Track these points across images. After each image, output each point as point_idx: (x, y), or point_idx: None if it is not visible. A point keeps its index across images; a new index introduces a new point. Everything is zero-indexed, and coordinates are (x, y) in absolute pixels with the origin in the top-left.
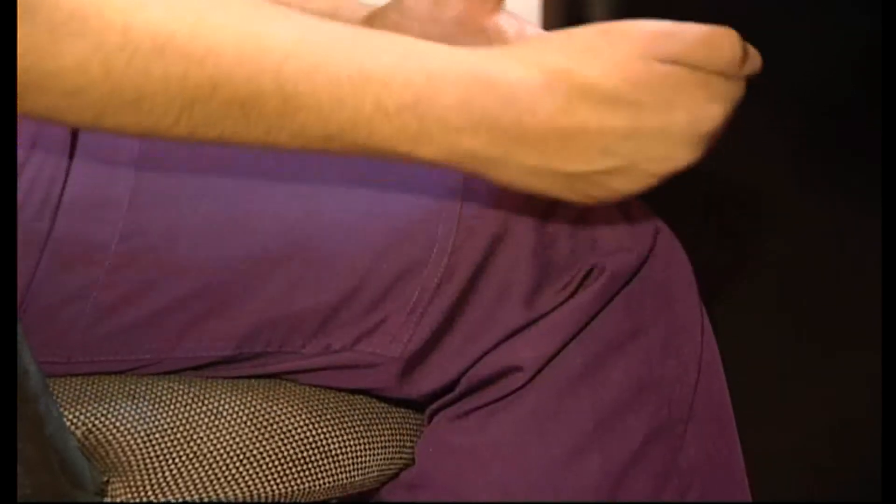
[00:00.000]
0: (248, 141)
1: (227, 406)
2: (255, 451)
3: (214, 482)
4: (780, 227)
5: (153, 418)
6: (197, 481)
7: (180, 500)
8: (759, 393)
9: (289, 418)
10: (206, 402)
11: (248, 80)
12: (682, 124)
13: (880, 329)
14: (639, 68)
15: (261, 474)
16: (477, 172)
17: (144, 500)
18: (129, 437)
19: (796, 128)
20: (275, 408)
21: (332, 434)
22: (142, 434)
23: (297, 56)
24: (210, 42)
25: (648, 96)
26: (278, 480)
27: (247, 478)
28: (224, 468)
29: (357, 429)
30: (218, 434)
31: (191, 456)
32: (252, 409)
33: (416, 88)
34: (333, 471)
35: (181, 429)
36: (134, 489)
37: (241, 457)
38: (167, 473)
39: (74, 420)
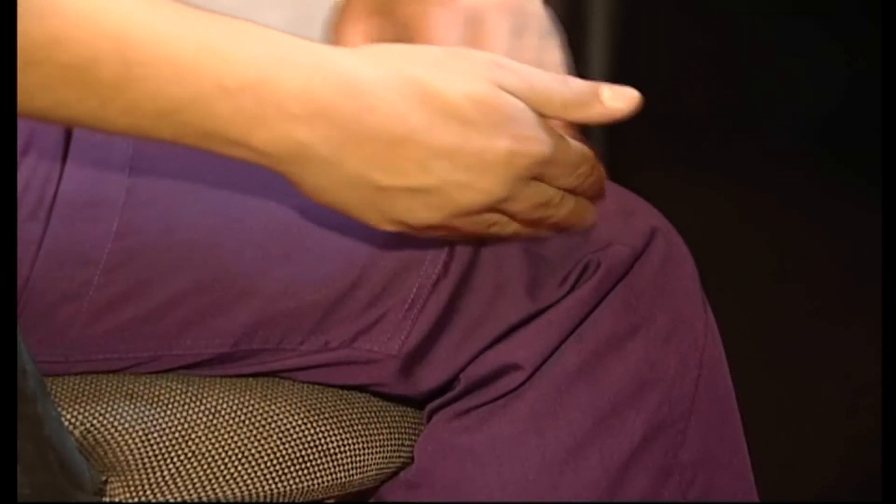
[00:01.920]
0: (79, 114)
1: (224, 405)
2: (253, 450)
3: (213, 481)
4: (781, 226)
5: (151, 418)
6: (195, 480)
7: (179, 499)
8: (758, 393)
9: (287, 417)
10: (203, 401)
11: (85, 42)
12: (500, 153)
13: (881, 329)
14: (480, 88)
15: (259, 473)
16: (293, 172)
17: (143, 499)
18: (127, 437)
19: (797, 127)
20: (273, 407)
21: (331, 433)
22: (140, 433)
23: (138, 23)
24: (52, 1)
25: (480, 118)
26: (276, 479)
27: (245, 477)
28: (222, 467)
29: (355, 427)
30: (216, 433)
31: (189, 455)
32: (250, 409)
33: (260, 69)
34: (332, 469)
35: (179, 428)
36: (132, 489)
37: (240, 456)
38: (165, 473)
39: (72, 420)
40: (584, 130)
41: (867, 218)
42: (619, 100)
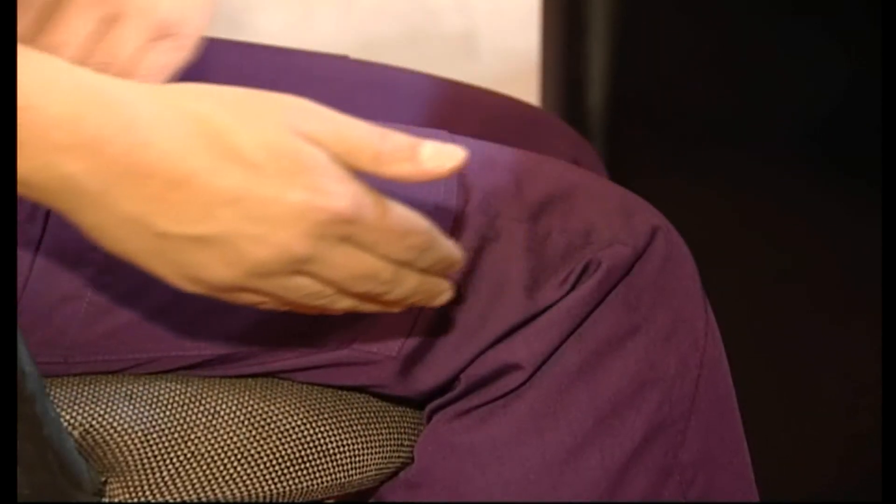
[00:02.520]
0: None
1: (224, 406)
2: (252, 451)
3: (212, 482)
4: (781, 226)
5: (150, 418)
6: (195, 481)
7: (178, 499)
8: (758, 393)
9: (286, 417)
10: (203, 401)
11: None
12: (294, 205)
13: (881, 329)
14: (275, 134)
15: (258, 474)
16: (67, 209)
17: (142, 499)
18: (126, 438)
19: (797, 128)
20: (272, 407)
21: (330, 433)
22: (139, 434)
23: None
24: None
25: (271, 164)
26: (276, 480)
27: (244, 477)
28: (222, 468)
29: (355, 427)
30: (215, 434)
31: (188, 456)
32: (249, 409)
33: (26, 95)
34: (331, 470)
35: (178, 429)
36: (132, 489)
37: (239, 456)
38: (165, 473)
39: (72, 420)
40: (584, 132)
41: (867, 218)
42: (438, 159)
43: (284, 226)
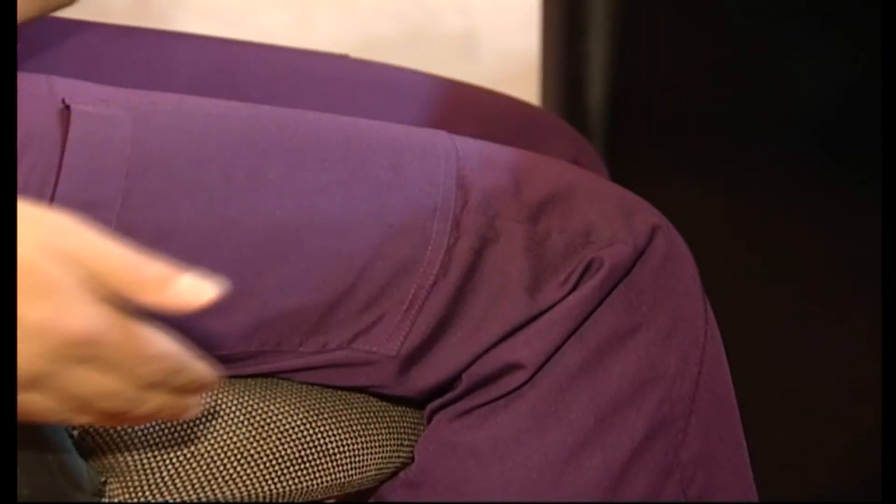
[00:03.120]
0: None
1: (224, 405)
2: (252, 451)
3: (212, 482)
4: (781, 226)
5: None
6: (195, 481)
7: (178, 499)
8: (758, 393)
9: (286, 417)
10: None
11: None
12: (32, 324)
13: (881, 329)
14: (24, 251)
15: (258, 473)
16: None
17: (142, 499)
18: (126, 438)
19: (797, 127)
20: (272, 407)
21: (330, 433)
22: (139, 434)
23: None
24: None
25: (21, 281)
26: (276, 479)
27: (244, 477)
28: (221, 468)
29: (355, 427)
30: (215, 433)
31: (188, 456)
32: (249, 409)
33: None
34: (331, 469)
35: (178, 429)
36: (131, 489)
37: (239, 456)
38: (164, 474)
39: None
40: (584, 132)
41: (867, 218)
42: (193, 291)
43: (23, 343)
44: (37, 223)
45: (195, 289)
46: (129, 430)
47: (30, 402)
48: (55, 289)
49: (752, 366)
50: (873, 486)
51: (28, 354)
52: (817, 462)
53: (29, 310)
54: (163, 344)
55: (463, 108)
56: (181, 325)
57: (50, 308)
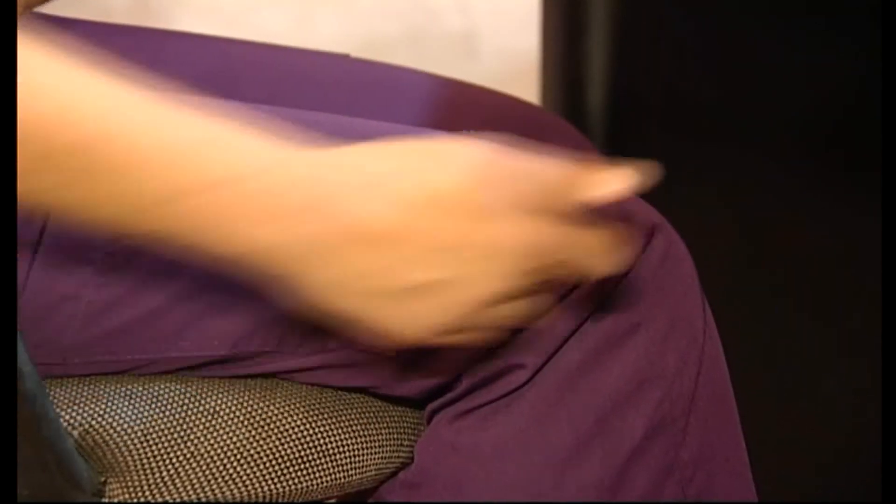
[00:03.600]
0: (68, 200)
1: (224, 405)
2: (252, 451)
3: (212, 482)
4: (782, 225)
5: (150, 418)
6: (194, 481)
7: (178, 499)
8: (758, 393)
9: (286, 417)
10: (202, 401)
11: (73, 126)
12: (497, 245)
13: (881, 329)
14: (461, 178)
15: (258, 474)
16: (294, 271)
17: (142, 499)
18: (126, 438)
19: (797, 127)
20: (272, 407)
21: (330, 433)
22: (139, 434)
23: (133, 110)
24: (43, 80)
25: (465, 208)
26: (276, 480)
27: (244, 477)
28: (221, 468)
29: (355, 427)
30: (215, 433)
31: (188, 456)
32: (249, 409)
33: (266, 159)
34: (331, 470)
35: (178, 428)
36: (131, 489)
37: (239, 456)
38: (164, 473)
39: (71, 421)
40: (584, 132)
41: (867, 218)
42: (619, 179)
43: (491, 266)
44: (463, 151)
45: (618, 177)
46: (128, 429)
47: (498, 316)
48: (500, 209)
49: (751, 365)
50: (873, 486)
51: (495, 275)
52: (817, 462)
53: (483, 233)
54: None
55: (464, 107)
56: (181, 323)
57: (505, 227)
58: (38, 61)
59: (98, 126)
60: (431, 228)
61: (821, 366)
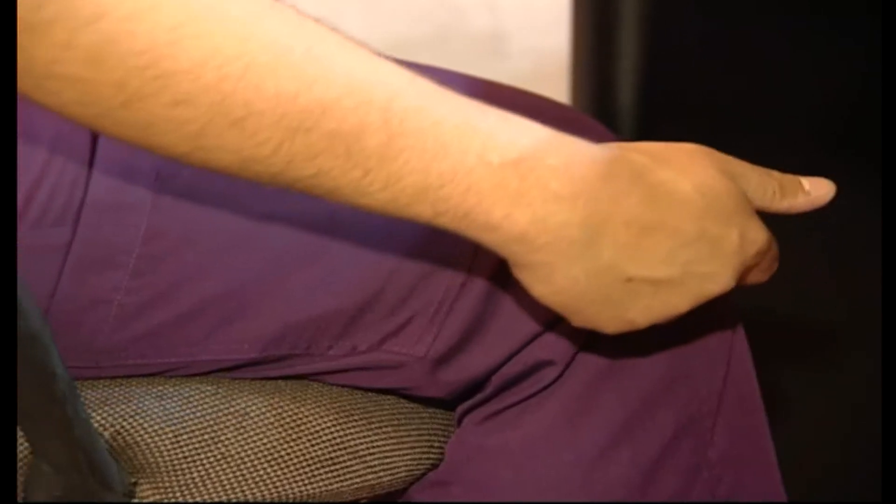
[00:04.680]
0: (340, 184)
1: (254, 407)
2: (282, 452)
3: (242, 483)
4: (780, 226)
5: (181, 419)
6: (225, 482)
7: (208, 500)
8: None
9: (316, 419)
10: (233, 402)
11: (355, 110)
12: (733, 243)
13: (881, 328)
14: (712, 175)
15: (288, 475)
16: (547, 263)
17: (172, 500)
18: (156, 439)
19: (830, 125)
20: (302, 409)
21: (360, 435)
22: (169, 435)
23: (406, 95)
24: (323, 66)
25: (712, 206)
26: (306, 481)
27: (274, 478)
28: (252, 469)
29: (385, 429)
30: (245, 435)
31: (218, 457)
32: (279, 410)
33: (522, 146)
34: (361, 471)
35: (209, 430)
36: (162, 490)
37: (269, 457)
38: (195, 474)
39: (102, 422)
40: (614, 131)
41: (867, 218)
42: (819, 189)
43: (728, 262)
44: (702, 153)
45: (819, 187)
46: (159, 430)
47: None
48: (739, 208)
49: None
50: (873, 486)
51: (733, 272)
52: (817, 462)
53: (730, 231)
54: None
55: (496, 107)
56: (212, 326)
57: (740, 226)
58: (330, 46)
59: (378, 112)
60: (684, 224)
61: (821, 365)
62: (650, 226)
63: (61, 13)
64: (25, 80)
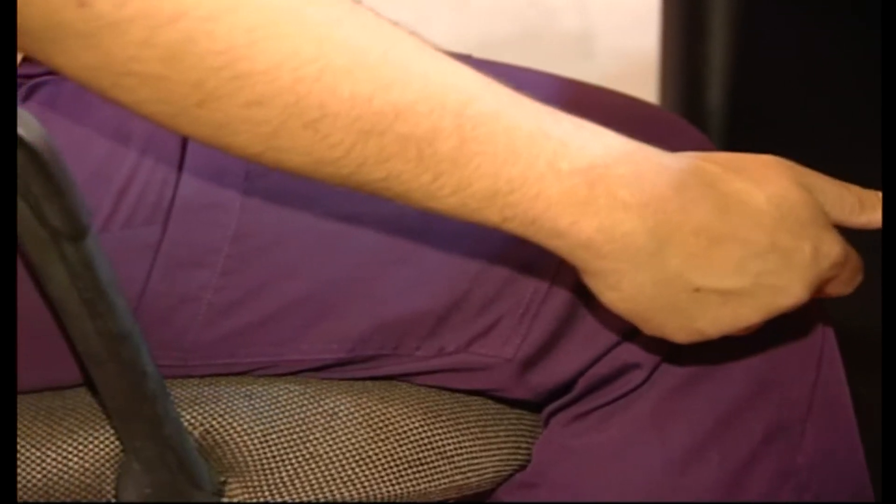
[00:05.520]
0: (410, 188)
1: (342, 407)
2: (370, 452)
3: (330, 482)
4: None
5: (269, 419)
6: (313, 481)
7: (296, 500)
8: None
9: (404, 419)
10: (321, 402)
11: (428, 115)
12: (806, 255)
13: (881, 328)
14: (784, 189)
15: (376, 475)
16: (613, 271)
17: (261, 500)
18: (245, 438)
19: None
20: (390, 409)
21: (448, 435)
22: (258, 434)
23: (480, 100)
24: (398, 70)
25: (786, 217)
26: (394, 482)
27: (362, 478)
28: (340, 469)
29: (472, 430)
30: (334, 435)
31: (307, 456)
32: (368, 410)
33: (592, 154)
34: (449, 472)
35: (297, 429)
36: (251, 489)
37: (357, 458)
38: (283, 474)
39: (192, 420)
40: (704, 133)
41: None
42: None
43: (800, 274)
44: (778, 164)
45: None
46: (248, 429)
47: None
48: (814, 220)
49: None
50: (873, 486)
51: (806, 285)
52: None
53: (803, 243)
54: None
55: (587, 108)
56: (300, 326)
57: (815, 239)
58: (406, 49)
59: (451, 117)
60: (755, 235)
61: None
62: (721, 236)
63: (142, 11)
64: (102, 77)
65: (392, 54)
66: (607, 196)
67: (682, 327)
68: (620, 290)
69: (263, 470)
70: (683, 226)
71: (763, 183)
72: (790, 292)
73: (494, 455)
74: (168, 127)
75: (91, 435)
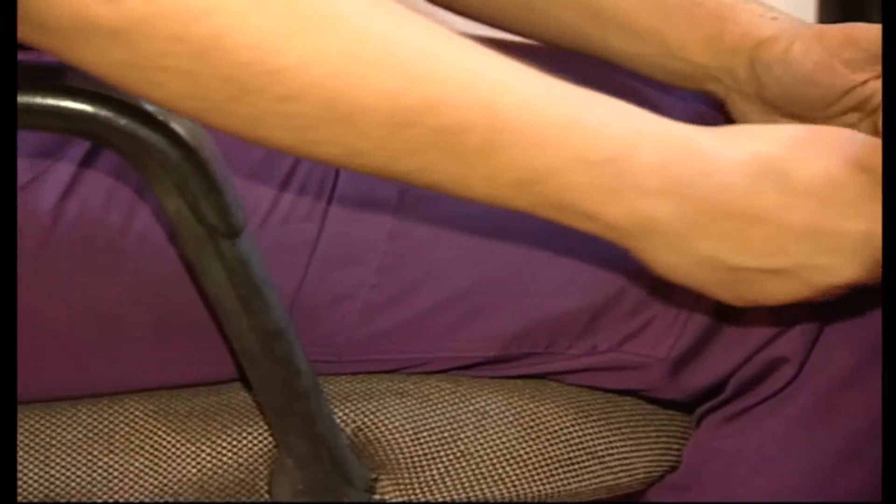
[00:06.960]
0: (441, 179)
1: (493, 405)
2: (521, 451)
3: (481, 481)
4: None
5: (420, 417)
6: (463, 480)
7: (448, 498)
8: None
9: (555, 419)
10: (472, 401)
11: (458, 107)
12: (857, 235)
13: (881, 326)
14: (832, 166)
15: (527, 474)
16: (643, 248)
17: (412, 498)
18: (397, 435)
19: None
20: (541, 408)
21: (599, 435)
22: (409, 432)
23: (510, 91)
24: (429, 63)
25: (835, 196)
26: (544, 481)
27: (513, 477)
28: (491, 467)
29: (623, 430)
30: (484, 433)
31: (458, 454)
32: (518, 409)
33: (619, 143)
34: (599, 472)
35: (448, 427)
36: (402, 487)
37: (508, 456)
38: (434, 471)
39: (344, 418)
40: None
41: None
42: None
43: (850, 254)
44: (833, 140)
45: None
46: (399, 427)
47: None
48: (867, 198)
49: None
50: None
51: (854, 266)
52: None
53: (851, 223)
54: None
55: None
56: (453, 324)
57: (867, 218)
58: (437, 42)
59: (481, 108)
60: (787, 214)
61: None
62: (755, 218)
63: (173, 6)
64: (133, 74)
65: (423, 47)
66: (633, 186)
67: (736, 299)
68: (662, 266)
69: (414, 468)
70: (713, 210)
71: (813, 161)
72: (838, 272)
73: (645, 455)
74: (202, 122)
75: (245, 431)
